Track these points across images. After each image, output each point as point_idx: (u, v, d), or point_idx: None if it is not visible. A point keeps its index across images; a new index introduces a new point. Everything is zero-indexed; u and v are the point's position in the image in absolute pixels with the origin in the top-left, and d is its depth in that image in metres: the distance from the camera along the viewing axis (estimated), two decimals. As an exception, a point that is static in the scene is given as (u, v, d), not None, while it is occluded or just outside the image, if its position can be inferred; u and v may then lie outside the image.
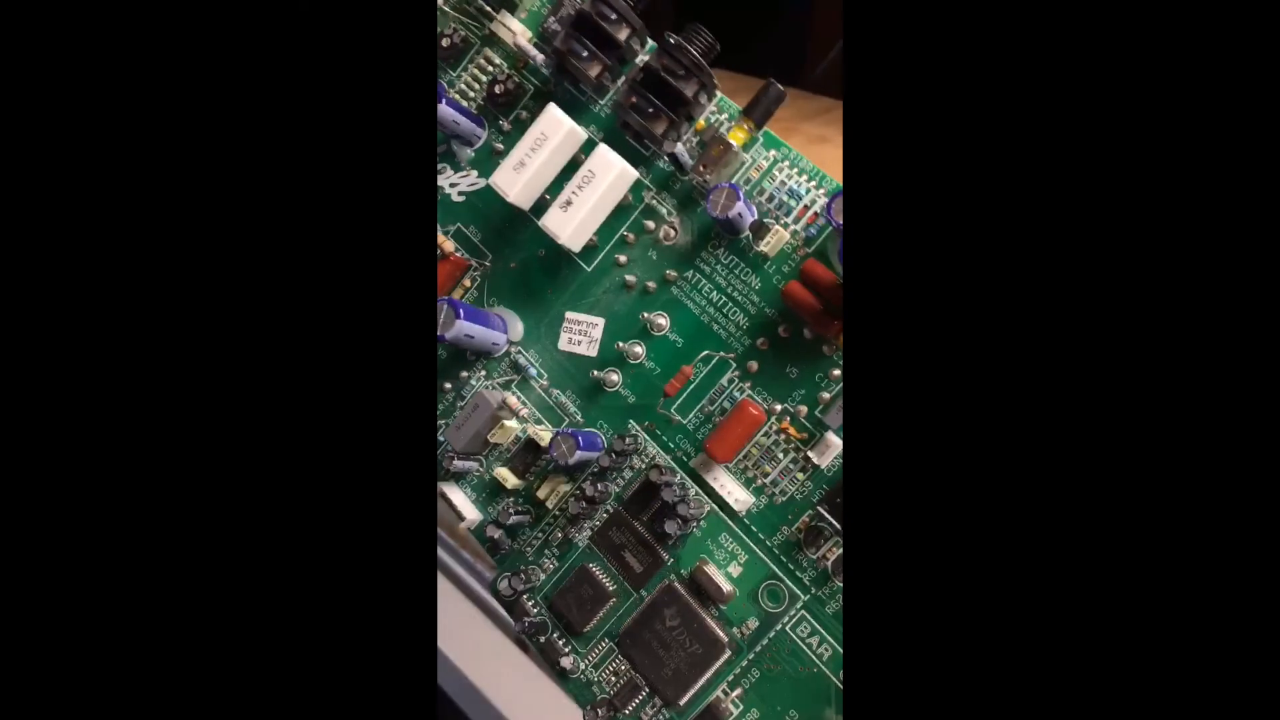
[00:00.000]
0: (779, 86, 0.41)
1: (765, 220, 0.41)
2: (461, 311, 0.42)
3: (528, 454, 0.44)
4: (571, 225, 0.42)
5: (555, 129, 0.43)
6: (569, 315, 0.45)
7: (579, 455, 0.41)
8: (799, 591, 0.38)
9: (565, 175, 0.44)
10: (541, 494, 0.43)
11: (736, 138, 0.41)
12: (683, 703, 0.39)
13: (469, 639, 0.39)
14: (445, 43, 0.49)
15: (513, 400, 0.45)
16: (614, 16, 0.43)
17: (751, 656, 0.39)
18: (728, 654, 0.38)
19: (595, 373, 0.43)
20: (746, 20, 0.91)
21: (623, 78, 0.45)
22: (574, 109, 0.45)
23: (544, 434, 0.43)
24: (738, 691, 0.39)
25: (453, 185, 0.48)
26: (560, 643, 0.41)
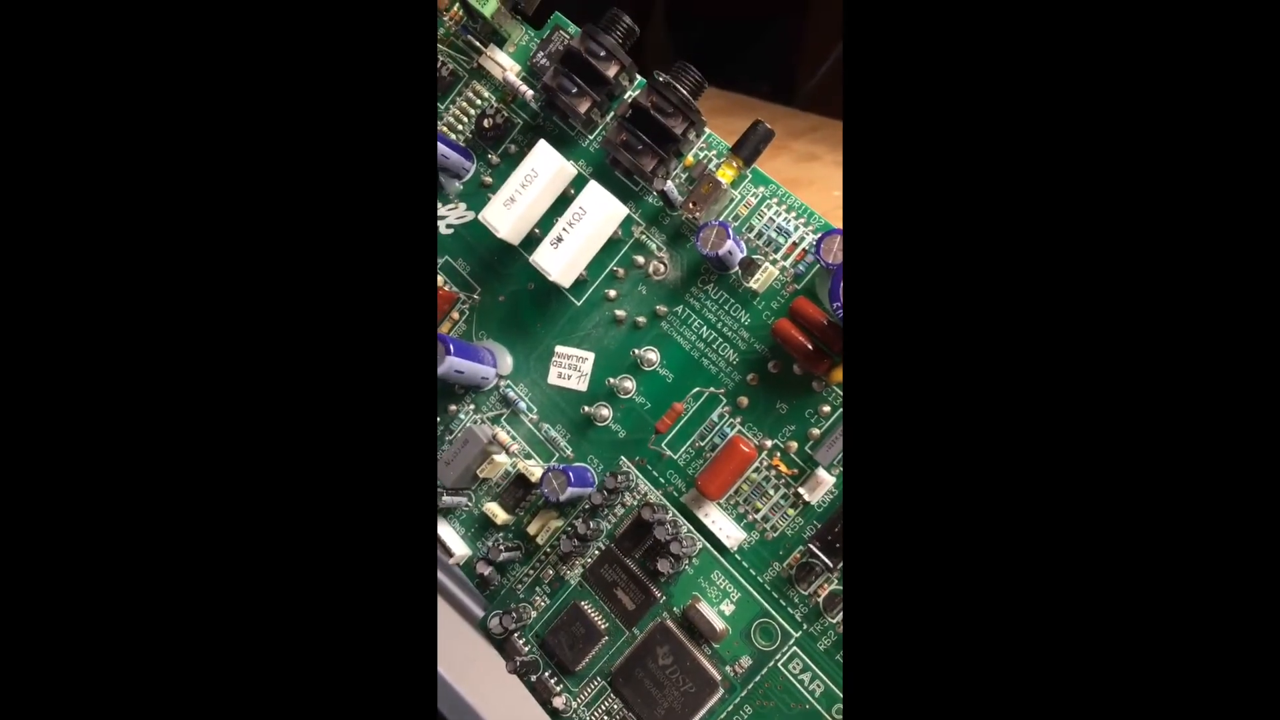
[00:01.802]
0: (766, 126, 0.42)
1: (754, 257, 0.41)
2: (451, 347, 0.42)
3: (518, 489, 0.44)
4: (562, 262, 0.42)
5: (546, 165, 0.43)
6: (559, 349, 0.45)
7: (570, 491, 0.41)
8: (791, 628, 0.39)
9: (555, 211, 0.44)
10: (532, 530, 0.43)
11: (725, 175, 0.41)
12: (676, 741, 0.39)
13: (469, 662, 0.39)
14: (433, 76, 0.49)
15: (503, 435, 0.44)
16: (603, 53, 0.43)
17: (744, 694, 0.39)
18: (721, 692, 0.38)
19: (586, 408, 0.43)
20: (737, 38, 0.91)
21: (611, 113, 0.45)
22: (563, 144, 0.45)
23: (534, 469, 0.43)
24: (730, 728, 0.39)
25: (440, 218, 0.48)
26: (552, 681, 0.41)
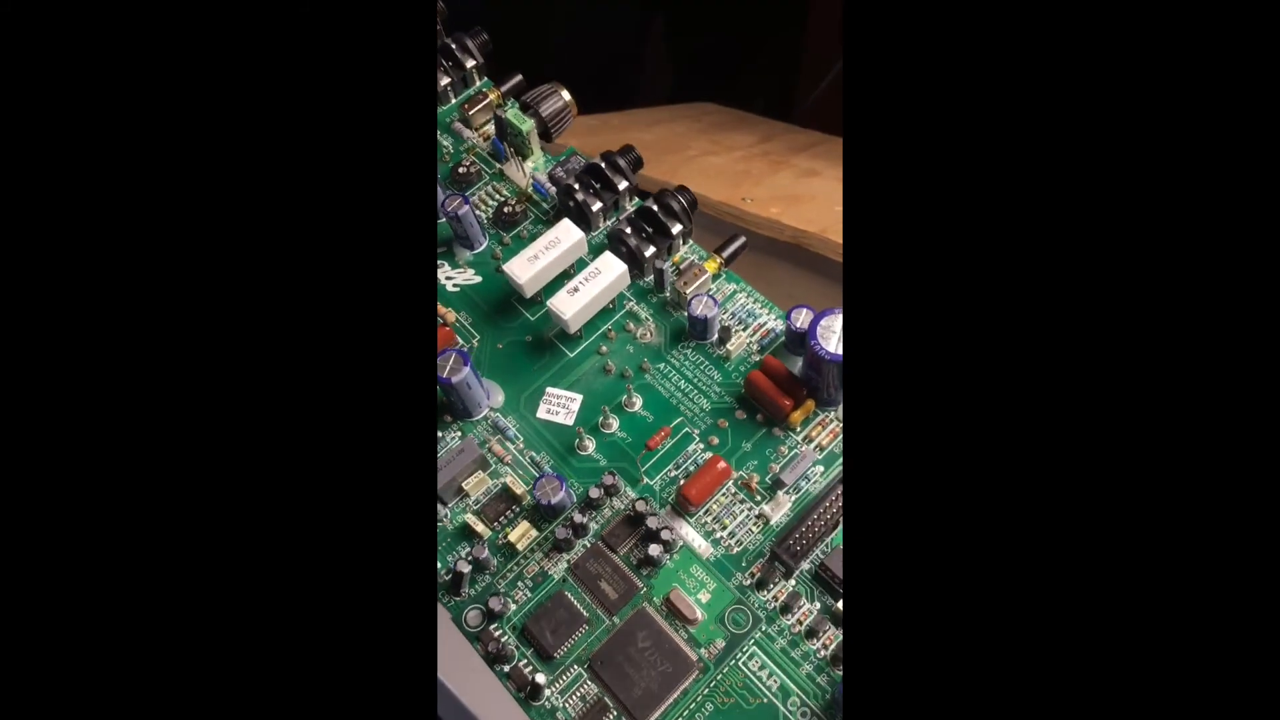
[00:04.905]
0: (744, 240, 0.54)
1: (731, 328, 0.51)
2: (468, 362, 0.48)
3: (499, 503, 0.48)
4: (576, 308, 0.50)
5: (568, 235, 0.52)
6: (550, 390, 0.51)
7: (561, 495, 0.45)
8: (751, 629, 0.43)
9: (558, 282, 0.53)
10: (513, 537, 0.46)
11: (710, 266, 0.53)
12: (650, 722, 0.41)
13: (464, 666, 0.39)
14: (461, 169, 0.58)
15: (498, 447, 0.49)
16: (617, 170, 0.55)
17: (706, 690, 0.42)
18: (696, 673, 0.42)
19: (580, 429, 0.49)
20: (737, 54, 0.92)
21: (614, 218, 0.56)
22: (571, 234, 0.55)
23: (519, 486, 0.47)
24: (692, 725, 0.42)
25: (448, 278, 0.55)
26: (527, 671, 0.42)
